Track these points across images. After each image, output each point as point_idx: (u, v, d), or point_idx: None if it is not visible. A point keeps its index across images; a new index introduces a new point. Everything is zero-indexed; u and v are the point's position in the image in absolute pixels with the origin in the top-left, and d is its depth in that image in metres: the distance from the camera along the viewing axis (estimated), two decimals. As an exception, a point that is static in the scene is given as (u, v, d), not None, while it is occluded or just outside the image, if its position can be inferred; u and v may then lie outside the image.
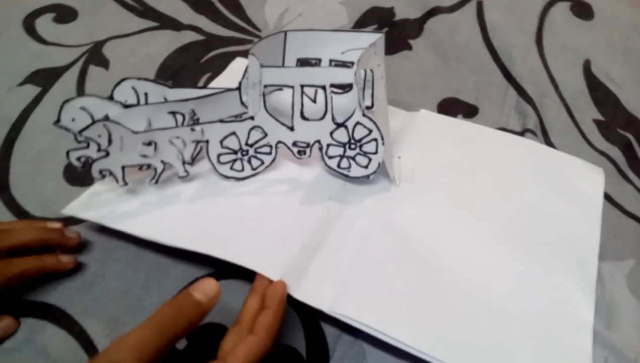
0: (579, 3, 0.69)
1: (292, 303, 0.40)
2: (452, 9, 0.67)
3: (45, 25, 0.62)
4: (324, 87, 0.41)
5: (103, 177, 0.43)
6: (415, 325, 0.38)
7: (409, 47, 0.63)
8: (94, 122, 0.40)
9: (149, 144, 0.42)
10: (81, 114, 0.42)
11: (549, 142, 0.55)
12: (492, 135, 0.53)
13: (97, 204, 0.44)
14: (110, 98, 0.44)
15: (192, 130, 0.42)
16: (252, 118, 0.43)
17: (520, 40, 0.63)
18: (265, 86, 0.42)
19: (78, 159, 0.42)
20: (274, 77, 0.41)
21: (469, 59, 0.62)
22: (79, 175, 0.47)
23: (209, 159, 0.45)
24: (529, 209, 0.47)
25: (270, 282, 0.38)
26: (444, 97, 0.58)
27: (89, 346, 0.40)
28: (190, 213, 0.44)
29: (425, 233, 0.44)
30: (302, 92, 0.41)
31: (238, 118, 0.44)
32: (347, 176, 0.46)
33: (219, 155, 0.45)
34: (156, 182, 0.45)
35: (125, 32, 0.62)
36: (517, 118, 0.57)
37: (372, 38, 0.44)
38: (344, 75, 0.40)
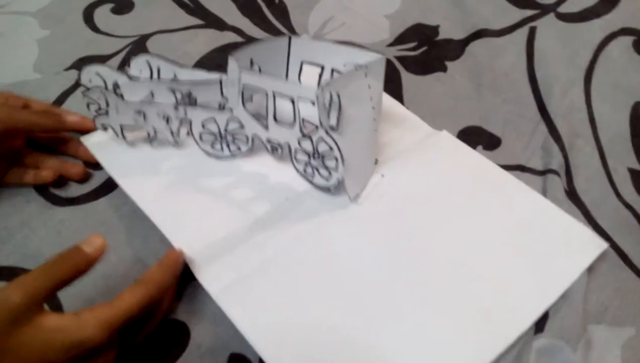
0: (646, 38, 0.63)
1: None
2: (501, 32, 0.64)
3: (102, 15, 0.66)
4: (292, 100, 0.43)
5: (105, 129, 0.50)
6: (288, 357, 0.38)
7: (444, 69, 0.61)
8: (93, 87, 0.47)
9: (139, 112, 0.48)
10: (96, 77, 0.48)
11: (572, 187, 0.51)
12: (503, 181, 0.50)
13: (104, 146, 0.50)
14: (128, 65, 0.49)
15: (176, 109, 0.47)
16: (231, 110, 0.46)
17: (567, 73, 0.59)
18: (244, 86, 0.44)
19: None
20: (251, 80, 0.44)
21: (505, 87, 0.59)
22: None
23: (192, 136, 0.49)
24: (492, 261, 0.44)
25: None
26: (468, 125, 0.56)
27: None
28: (166, 179, 0.49)
29: (350, 265, 0.44)
30: (274, 98, 0.44)
31: (220, 106, 0.48)
32: (311, 182, 0.47)
33: (200, 134, 0.49)
34: (151, 143, 0.50)
35: (171, 27, 0.65)
36: (540, 156, 0.53)
37: (372, 58, 0.44)
38: (308, 93, 0.41)
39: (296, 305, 0.41)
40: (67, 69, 0.60)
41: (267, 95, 0.43)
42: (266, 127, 0.45)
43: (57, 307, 0.44)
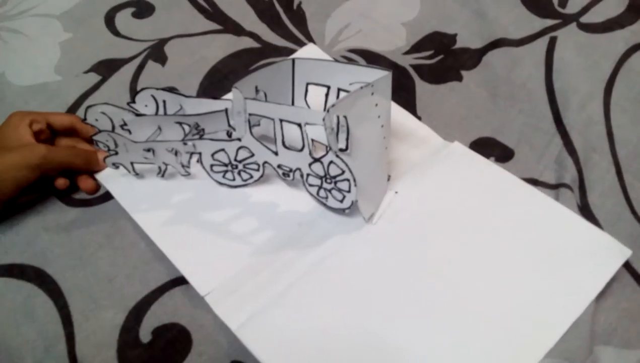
0: (673, 50, 0.61)
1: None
2: (520, 42, 0.63)
3: (123, 18, 0.68)
4: (299, 125, 0.42)
5: (117, 168, 0.49)
6: None
7: (459, 78, 0.60)
8: (99, 131, 0.46)
9: (149, 150, 0.47)
10: (102, 116, 0.47)
11: (584, 202, 0.50)
12: (520, 192, 0.49)
13: (117, 179, 0.50)
14: (133, 101, 0.49)
15: (185, 143, 0.46)
16: (239, 139, 0.45)
17: (586, 85, 0.58)
18: (250, 114, 0.44)
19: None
20: (257, 109, 0.43)
21: (521, 98, 0.58)
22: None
23: (203, 168, 0.48)
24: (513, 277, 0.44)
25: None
26: (481, 136, 0.55)
27: (67, 322, 0.44)
28: (177, 209, 0.48)
29: (369, 287, 0.43)
30: (282, 125, 0.43)
31: (228, 136, 0.47)
32: (325, 205, 0.46)
33: (211, 165, 0.48)
34: (162, 176, 0.50)
35: (190, 32, 0.66)
36: (554, 169, 0.52)
37: (378, 75, 0.43)
38: (315, 117, 0.41)
39: (317, 334, 0.41)
40: (87, 72, 0.61)
41: (274, 122, 0.43)
42: (276, 153, 0.45)
43: (63, 306, 0.45)
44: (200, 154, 0.47)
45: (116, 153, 0.48)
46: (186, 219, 0.48)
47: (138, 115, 0.48)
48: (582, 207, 0.50)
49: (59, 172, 0.49)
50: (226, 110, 0.47)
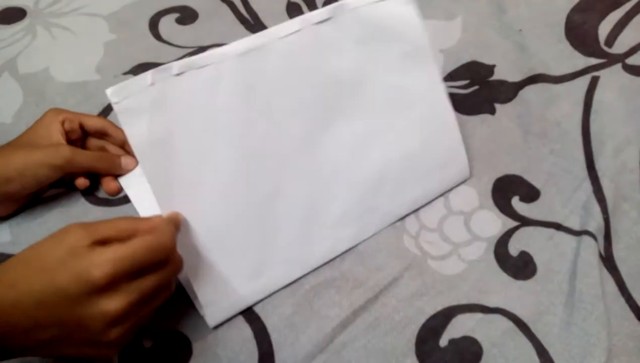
0: None
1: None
2: (560, 79, 0.61)
3: (167, 24, 0.69)
4: None
5: None
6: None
7: (492, 111, 0.59)
8: None
9: None
10: None
11: (609, 253, 0.48)
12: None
13: (138, 185, 0.51)
14: None
15: None
16: None
17: (624, 129, 0.56)
18: None
19: None
20: None
21: (554, 138, 0.56)
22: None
23: None
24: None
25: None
26: (507, 173, 0.54)
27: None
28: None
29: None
30: None
31: None
32: None
33: None
34: None
35: (229, 41, 0.66)
36: (580, 215, 0.50)
37: None
38: None
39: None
40: (125, 73, 0.63)
41: None
42: None
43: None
44: None
45: None
46: None
47: None
48: (605, 258, 0.48)
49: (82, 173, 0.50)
50: None
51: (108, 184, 0.52)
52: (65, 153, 0.47)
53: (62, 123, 0.49)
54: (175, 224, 0.40)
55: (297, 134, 0.46)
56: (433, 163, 0.52)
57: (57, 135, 0.48)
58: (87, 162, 0.49)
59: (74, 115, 0.51)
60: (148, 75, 0.40)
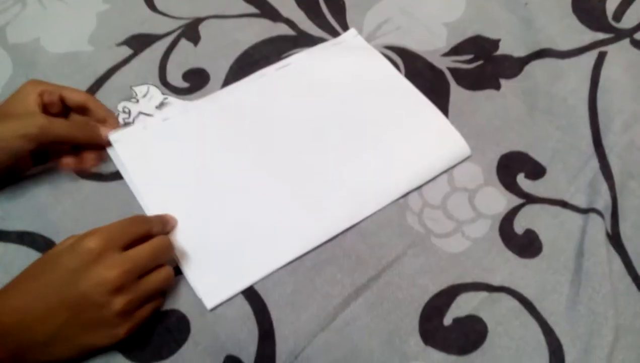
0: None
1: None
2: (566, 54, 0.59)
3: (162, -7, 0.67)
4: None
5: None
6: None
7: (497, 87, 0.57)
8: None
9: None
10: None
11: (615, 231, 0.47)
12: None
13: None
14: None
15: None
16: None
17: (632, 106, 0.55)
18: None
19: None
20: None
21: (561, 114, 0.55)
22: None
23: None
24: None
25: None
26: (512, 150, 0.53)
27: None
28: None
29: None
30: None
31: None
32: None
33: None
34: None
35: (226, 13, 0.65)
36: (586, 193, 0.49)
37: None
38: None
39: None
40: (119, 45, 0.61)
41: None
42: None
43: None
44: None
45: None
46: None
47: None
48: (612, 236, 0.47)
49: (67, 151, 0.48)
50: None
51: (88, 157, 0.50)
52: (39, 121, 0.44)
53: (41, 95, 0.47)
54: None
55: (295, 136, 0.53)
56: (427, 145, 0.52)
57: (34, 106, 0.46)
58: (64, 131, 0.46)
59: (54, 87, 0.49)
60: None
